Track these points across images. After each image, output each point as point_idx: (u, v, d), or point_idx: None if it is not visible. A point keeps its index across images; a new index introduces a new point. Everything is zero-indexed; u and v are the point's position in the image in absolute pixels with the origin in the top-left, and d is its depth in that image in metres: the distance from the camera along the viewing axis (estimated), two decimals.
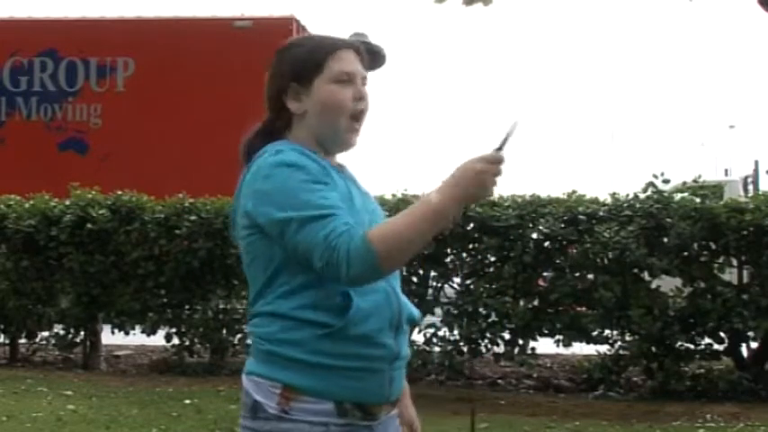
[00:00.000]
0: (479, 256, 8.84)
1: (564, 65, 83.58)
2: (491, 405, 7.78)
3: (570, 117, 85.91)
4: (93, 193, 9.80)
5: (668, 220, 8.30)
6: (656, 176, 8.59)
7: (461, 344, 8.85)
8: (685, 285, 8.43)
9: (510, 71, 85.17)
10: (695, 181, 9.06)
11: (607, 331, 8.61)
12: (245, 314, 8.68)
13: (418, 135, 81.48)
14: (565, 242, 8.57)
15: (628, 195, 8.65)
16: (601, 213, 8.56)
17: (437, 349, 8.91)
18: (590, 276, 8.55)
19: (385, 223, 2.21)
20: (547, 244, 8.62)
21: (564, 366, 9.73)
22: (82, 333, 9.90)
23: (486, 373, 9.36)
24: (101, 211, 9.50)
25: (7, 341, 10.14)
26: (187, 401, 7.65)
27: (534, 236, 8.63)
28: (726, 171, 29.55)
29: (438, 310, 9.03)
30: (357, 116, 2.37)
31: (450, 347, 8.87)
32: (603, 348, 8.74)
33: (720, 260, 8.40)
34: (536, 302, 8.70)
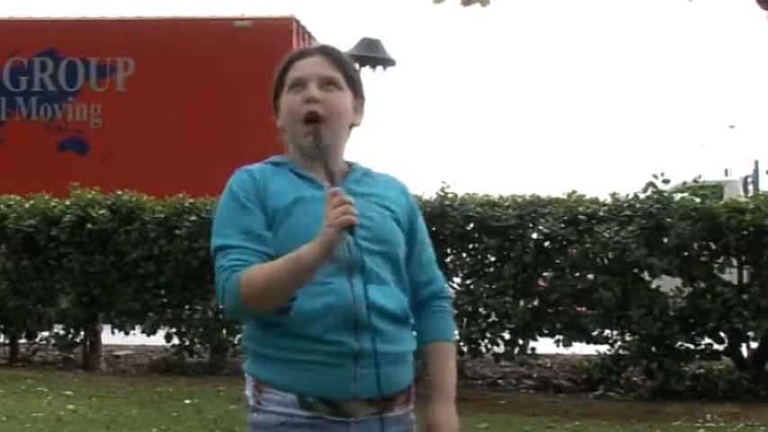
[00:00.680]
0: (479, 256, 8.84)
1: (563, 65, 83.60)
2: (491, 405, 7.78)
3: (570, 117, 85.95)
4: (93, 193, 9.80)
5: (668, 220, 8.30)
6: (656, 176, 8.59)
7: (461, 344, 8.85)
8: (685, 285, 8.43)
9: (509, 71, 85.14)
10: (695, 181, 9.05)
11: (607, 331, 8.61)
12: None
13: (418, 135, 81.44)
14: (565, 242, 8.57)
15: (628, 195, 8.64)
16: (601, 213, 8.55)
17: None
18: (590, 276, 8.55)
19: (258, 267, 2.33)
20: (547, 244, 8.62)
21: (564, 366, 9.73)
22: (82, 333, 9.89)
23: (486, 373, 9.36)
24: (101, 211, 9.50)
25: (7, 341, 10.14)
26: (187, 401, 7.65)
27: (534, 236, 8.62)
28: (726, 171, 29.56)
29: None
30: (309, 119, 2.42)
31: None
32: (603, 348, 8.73)
33: (720, 260, 8.40)
34: (536, 302, 8.70)
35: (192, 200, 9.51)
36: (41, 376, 8.89)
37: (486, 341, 8.80)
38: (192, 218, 9.27)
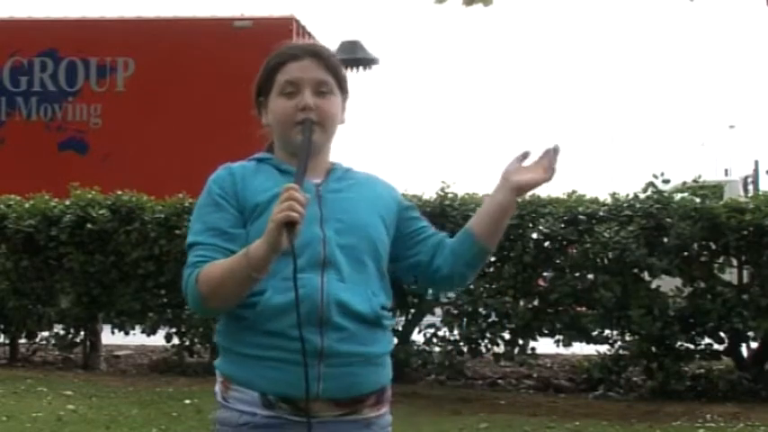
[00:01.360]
0: None
1: (564, 65, 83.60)
2: (491, 405, 7.78)
3: (570, 117, 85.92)
4: (93, 193, 9.79)
5: (668, 220, 8.30)
6: (656, 176, 8.58)
7: (461, 344, 8.85)
8: (685, 285, 8.43)
9: (510, 72, 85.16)
10: (695, 181, 9.05)
11: (607, 331, 8.61)
12: None
13: (417, 135, 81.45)
14: (565, 242, 8.57)
15: (628, 195, 8.64)
16: (601, 213, 8.55)
17: (437, 349, 8.92)
18: (590, 276, 8.54)
19: (215, 263, 2.33)
20: (547, 244, 8.62)
21: (564, 366, 9.72)
22: (82, 333, 9.89)
23: (486, 373, 9.36)
24: (101, 211, 9.50)
25: (7, 341, 10.13)
26: (187, 401, 7.65)
27: (534, 236, 8.62)
28: (726, 171, 29.61)
29: (438, 310, 9.04)
30: (302, 123, 2.43)
31: (450, 347, 8.87)
32: (603, 348, 8.73)
33: (720, 260, 8.40)
34: (536, 302, 8.70)
35: (191, 200, 9.50)
36: (41, 376, 8.89)
37: (486, 341, 8.80)
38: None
